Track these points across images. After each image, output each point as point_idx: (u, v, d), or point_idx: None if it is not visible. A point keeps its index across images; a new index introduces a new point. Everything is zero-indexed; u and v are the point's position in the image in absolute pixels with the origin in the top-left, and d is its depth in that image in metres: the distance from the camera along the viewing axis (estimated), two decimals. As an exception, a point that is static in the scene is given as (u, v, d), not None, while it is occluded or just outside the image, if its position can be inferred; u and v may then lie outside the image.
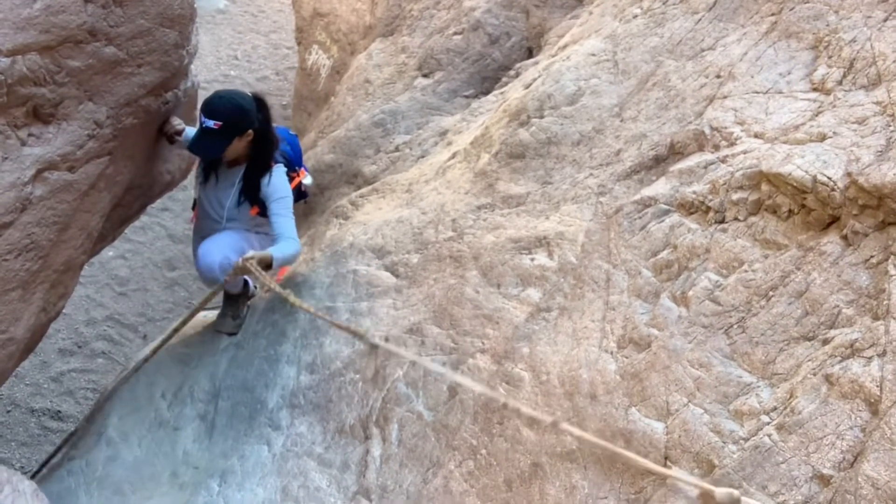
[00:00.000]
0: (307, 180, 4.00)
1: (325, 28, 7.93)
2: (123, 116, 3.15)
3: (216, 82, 10.13)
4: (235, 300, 4.02)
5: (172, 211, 7.93)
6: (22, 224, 2.66)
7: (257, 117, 3.51)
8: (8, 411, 5.60)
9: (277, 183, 3.64)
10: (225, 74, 10.38)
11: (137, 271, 7.21)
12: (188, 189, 8.02)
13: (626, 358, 2.45)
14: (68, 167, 2.87)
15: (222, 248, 3.68)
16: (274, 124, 3.74)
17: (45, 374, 5.96)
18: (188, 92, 3.77)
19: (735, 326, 2.26)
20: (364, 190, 4.77)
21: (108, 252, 7.07)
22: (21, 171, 2.61)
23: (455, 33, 6.08)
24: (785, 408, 2.00)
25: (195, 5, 3.50)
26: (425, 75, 6.08)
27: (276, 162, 3.68)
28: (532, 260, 3.07)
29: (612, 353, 2.51)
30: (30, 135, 2.69)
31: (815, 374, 2.00)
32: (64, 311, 3.89)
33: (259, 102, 3.56)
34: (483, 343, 2.93)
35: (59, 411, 5.68)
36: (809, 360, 2.05)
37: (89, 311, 6.63)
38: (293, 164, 3.85)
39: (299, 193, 3.97)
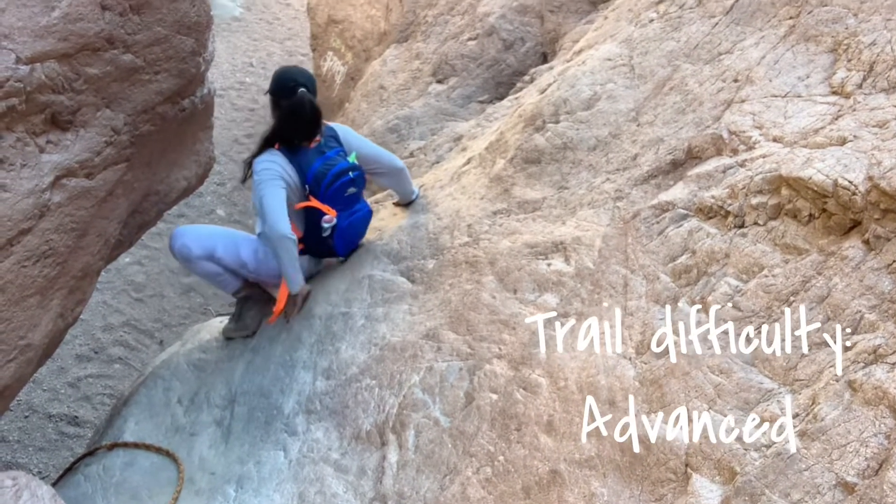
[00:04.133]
0: (328, 222, 3.63)
1: (340, 35, 7.96)
2: (141, 123, 3.16)
3: (232, 89, 10.20)
4: (239, 302, 3.97)
5: (189, 217, 7.97)
6: (40, 231, 2.67)
7: (280, 95, 3.51)
8: (26, 417, 5.63)
9: (256, 167, 3.48)
10: (241, 81, 10.44)
11: (154, 277, 7.24)
12: (204, 196, 8.07)
13: (645, 364, 2.43)
14: (86, 174, 2.89)
15: (188, 236, 3.67)
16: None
17: (62, 380, 6.00)
18: (205, 99, 3.78)
19: (755, 331, 2.24)
20: (379, 195, 4.77)
21: (125, 258, 7.11)
22: (39, 177, 2.63)
23: (469, 39, 6.09)
24: (807, 414, 1.98)
25: (211, 13, 3.52)
26: (440, 81, 6.09)
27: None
28: (549, 265, 3.06)
29: (630, 359, 2.49)
30: (48, 142, 2.71)
31: (837, 381, 1.97)
32: (81, 316, 3.92)
33: (291, 85, 3.50)
34: (500, 349, 2.92)
35: (77, 417, 5.71)
36: (831, 366, 2.03)
37: (106, 317, 6.67)
38: (310, 188, 3.58)
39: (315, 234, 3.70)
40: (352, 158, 3.67)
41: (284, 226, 3.41)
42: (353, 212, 3.73)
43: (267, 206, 3.42)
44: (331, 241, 3.73)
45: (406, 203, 4.19)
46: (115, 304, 6.83)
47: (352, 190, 3.66)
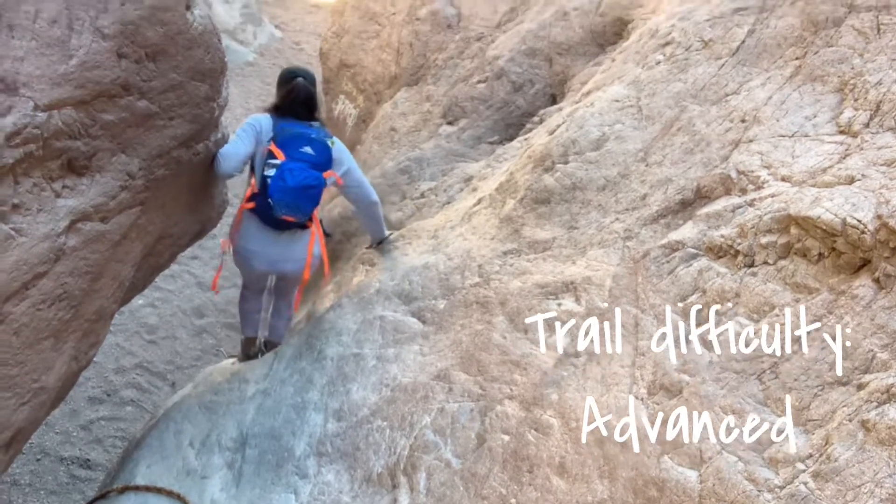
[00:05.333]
0: (274, 164, 3.94)
1: (352, 78, 8.08)
2: (155, 168, 3.20)
3: (245, 132, 10.33)
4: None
5: (201, 259, 8.02)
6: (55, 274, 2.70)
7: (281, 83, 4.22)
8: (38, 459, 5.62)
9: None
10: (253, 125, 10.57)
11: (166, 319, 7.26)
12: (217, 237, 8.12)
13: (658, 404, 2.41)
14: (101, 218, 2.92)
15: None
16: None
17: (74, 423, 5.99)
18: (219, 143, 3.83)
19: (768, 372, 2.23)
20: (392, 234, 4.79)
21: (138, 300, 7.14)
22: (55, 222, 2.66)
23: (479, 81, 6.16)
24: (821, 455, 1.96)
25: (225, 59, 3.59)
26: (450, 123, 6.15)
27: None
28: (559, 305, 3.06)
29: (642, 399, 2.47)
30: (64, 186, 2.74)
31: (850, 420, 1.96)
32: (94, 358, 3.94)
33: (291, 77, 4.19)
34: (511, 389, 2.91)
35: (88, 459, 5.69)
36: (845, 406, 2.01)
37: (119, 359, 6.68)
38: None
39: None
40: (328, 141, 4.02)
41: (224, 147, 3.87)
42: (301, 166, 3.88)
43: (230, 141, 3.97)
44: (269, 182, 3.88)
45: (377, 243, 4.51)
46: (127, 347, 6.84)
47: (308, 149, 3.93)
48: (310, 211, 3.99)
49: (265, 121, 4.05)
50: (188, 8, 3.04)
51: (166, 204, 3.53)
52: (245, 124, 4.03)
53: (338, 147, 4.11)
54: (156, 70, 3.01)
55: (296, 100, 4.08)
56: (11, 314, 2.52)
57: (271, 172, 3.87)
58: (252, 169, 4.10)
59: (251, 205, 4.04)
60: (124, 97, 2.89)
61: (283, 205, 3.87)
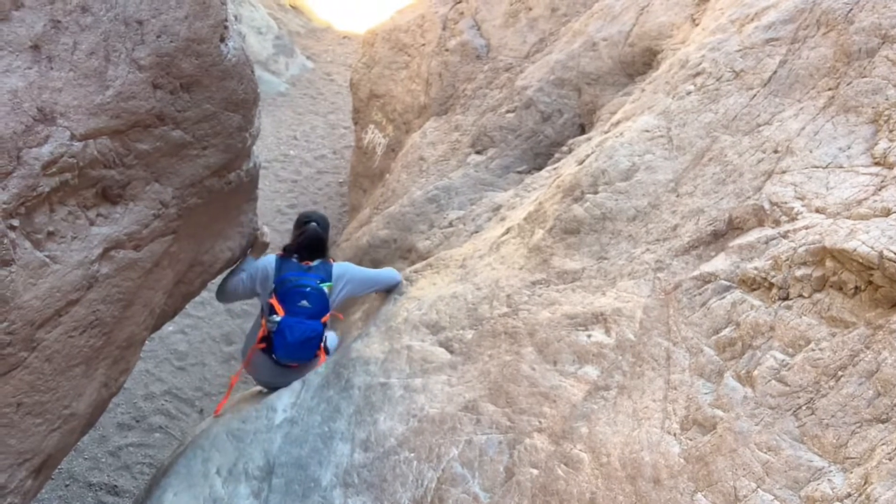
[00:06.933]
0: (274, 319, 4.17)
1: (381, 108, 8.15)
2: (188, 196, 3.24)
3: (276, 161, 10.44)
4: None
5: (231, 286, 8.07)
6: (88, 301, 2.73)
7: (296, 226, 4.51)
8: (66, 485, 5.65)
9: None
10: (285, 154, 10.69)
11: (196, 346, 7.31)
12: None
13: (691, 440, 2.37)
14: (134, 246, 2.96)
15: None
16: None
17: (103, 448, 6.03)
18: (250, 172, 3.87)
19: (804, 408, 2.18)
20: (418, 265, 4.80)
21: (168, 326, 7.20)
22: (89, 249, 2.69)
23: (508, 111, 6.18)
24: (860, 494, 1.91)
25: (258, 89, 3.63)
26: (478, 152, 6.17)
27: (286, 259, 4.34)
28: (589, 336, 3.03)
29: (675, 434, 2.43)
30: (98, 215, 2.78)
31: (890, 459, 1.90)
32: (123, 385, 3.97)
33: (305, 221, 4.47)
34: (540, 422, 2.88)
35: (116, 486, 5.71)
36: (884, 444, 1.96)
37: (148, 386, 6.72)
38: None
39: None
40: (325, 286, 4.21)
41: (231, 281, 4.32)
42: (298, 321, 4.16)
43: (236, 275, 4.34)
44: (272, 337, 4.19)
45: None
46: (157, 373, 6.89)
47: (304, 303, 4.18)
48: (312, 355, 4.29)
49: (270, 266, 4.29)
50: (222, 40, 3.09)
51: (198, 232, 3.57)
52: (250, 267, 4.31)
53: (337, 273, 4.35)
54: (190, 101, 3.06)
55: (302, 244, 4.35)
56: (44, 341, 2.55)
57: (273, 328, 4.16)
58: (262, 311, 4.33)
59: (262, 346, 4.29)
60: (159, 127, 2.94)
61: (286, 357, 4.23)
